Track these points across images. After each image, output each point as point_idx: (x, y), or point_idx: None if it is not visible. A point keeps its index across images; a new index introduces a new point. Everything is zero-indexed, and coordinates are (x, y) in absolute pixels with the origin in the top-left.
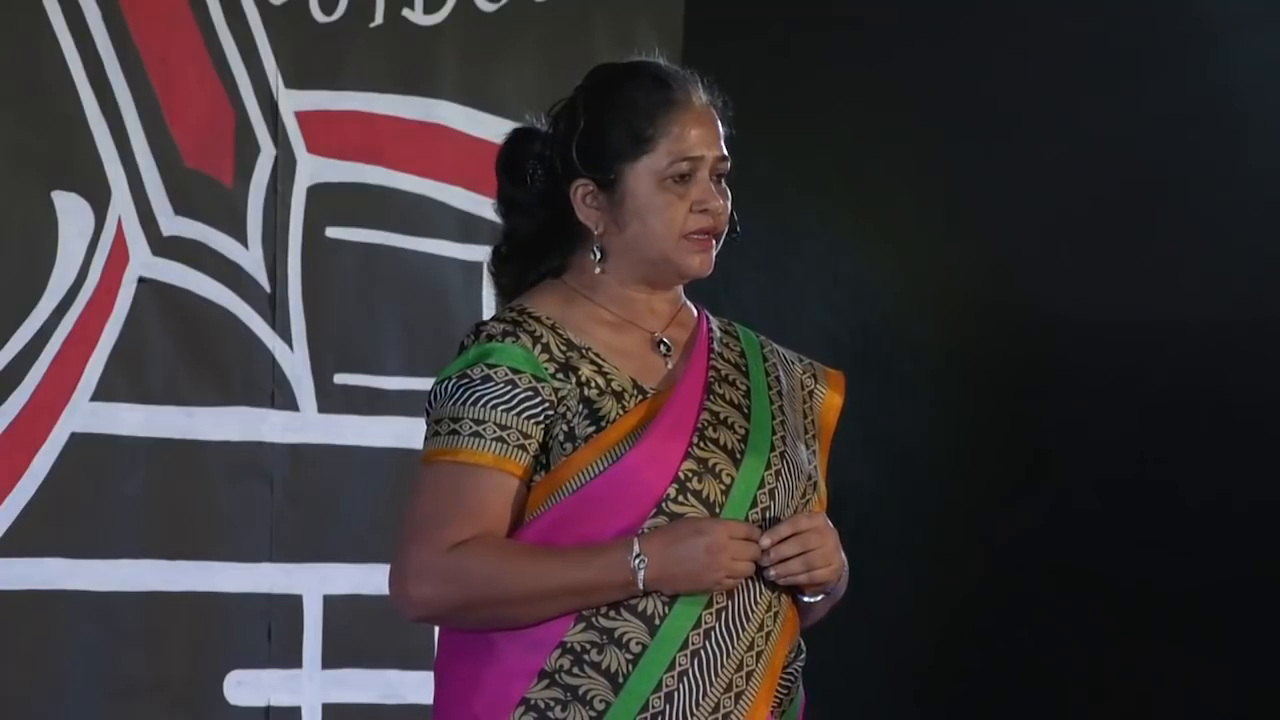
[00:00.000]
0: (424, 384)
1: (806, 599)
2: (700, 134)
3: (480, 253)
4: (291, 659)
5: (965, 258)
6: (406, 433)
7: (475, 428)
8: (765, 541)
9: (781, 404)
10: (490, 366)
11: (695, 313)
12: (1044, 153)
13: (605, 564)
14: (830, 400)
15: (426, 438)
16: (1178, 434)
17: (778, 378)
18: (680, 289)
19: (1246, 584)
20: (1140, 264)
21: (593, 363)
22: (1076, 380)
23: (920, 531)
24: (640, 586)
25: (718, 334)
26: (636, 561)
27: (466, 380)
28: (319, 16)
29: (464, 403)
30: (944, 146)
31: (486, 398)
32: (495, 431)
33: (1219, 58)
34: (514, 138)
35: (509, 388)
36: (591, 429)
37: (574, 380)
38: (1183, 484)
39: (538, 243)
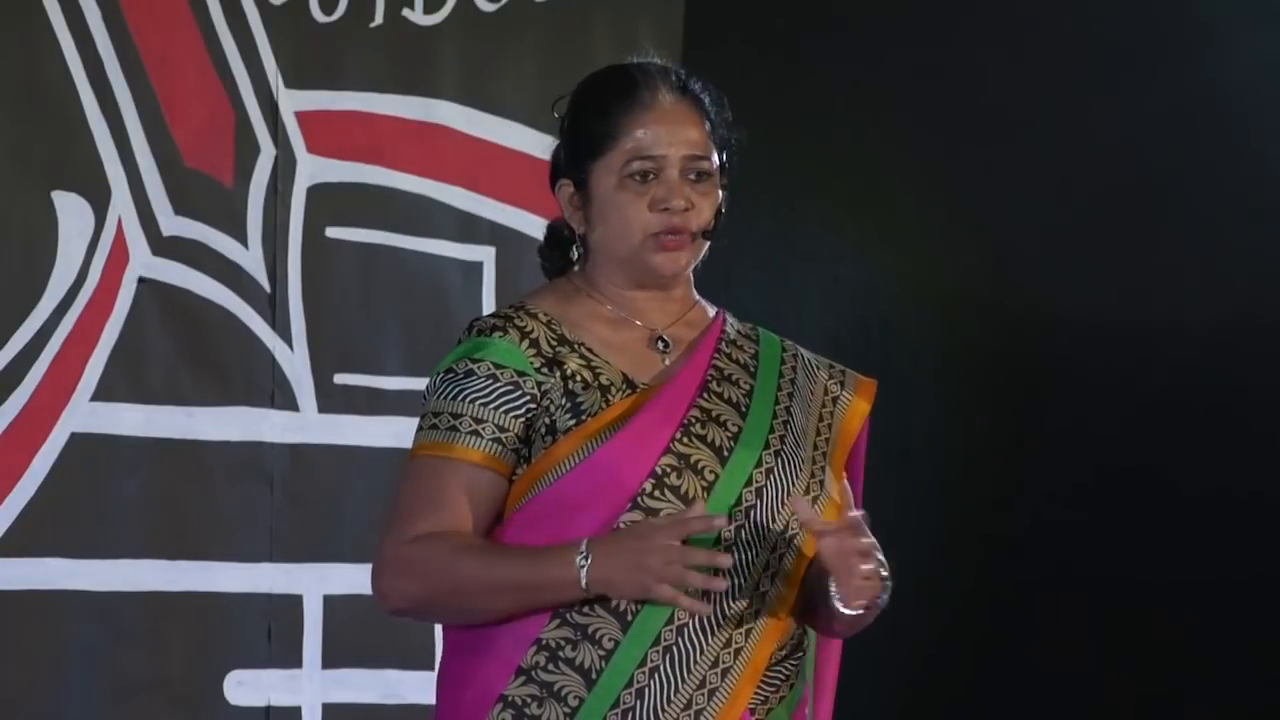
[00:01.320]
0: (424, 384)
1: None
2: (662, 132)
3: (480, 253)
4: (291, 659)
5: (965, 258)
6: (406, 433)
7: (453, 421)
8: (725, 561)
9: (789, 405)
10: (474, 361)
11: (711, 313)
12: (1044, 153)
13: (554, 561)
14: (856, 406)
15: (415, 433)
16: (1178, 434)
17: (792, 380)
18: (690, 287)
19: (1248, 584)
20: (1140, 264)
21: (582, 357)
22: (1076, 380)
23: (920, 531)
24: (584, 586)
25: (731, 335)
26: (580, 559)
27: (451, 375)
28: (319, 16)
29: (446, 397)
30: (944, 146)
31: (466, 392)
32: (471, 425)
33: (1218, 57)
34: (557, 146)
35: (490, 382)
36: (572, 421)
37: (558, 374)
38: (1183, 484)
39: (567, 245)
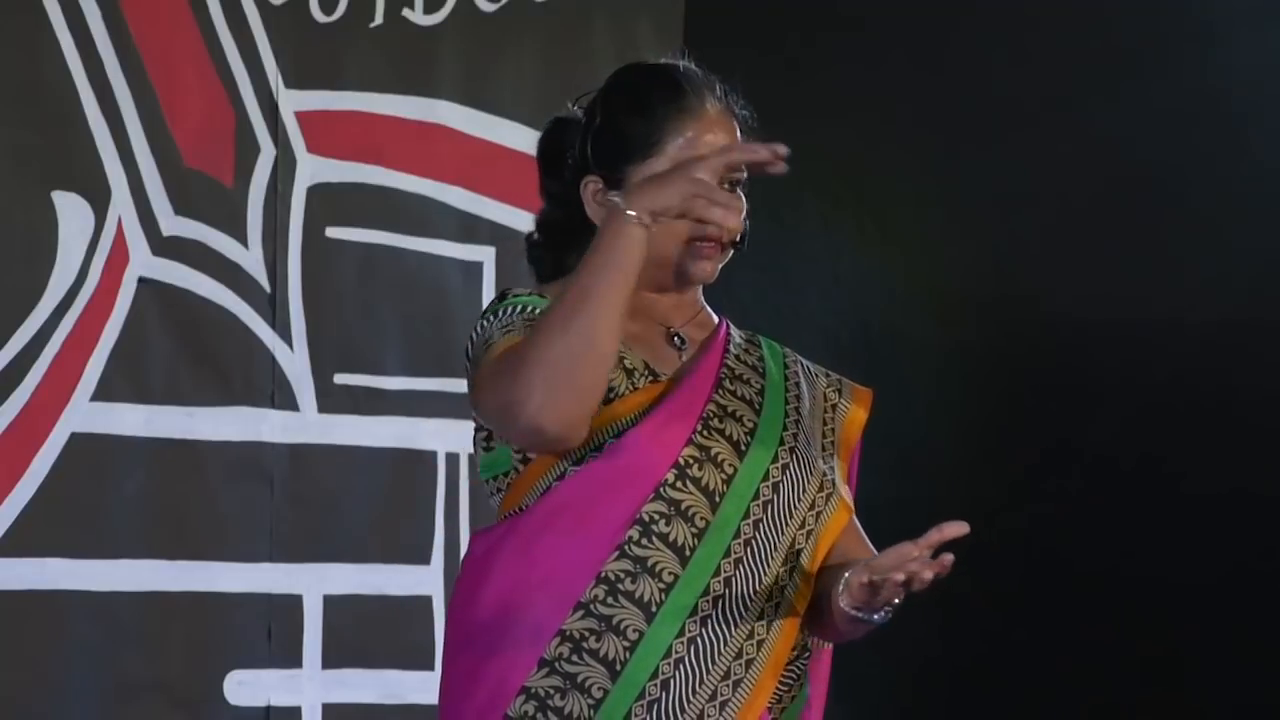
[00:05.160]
0: (424, 384)
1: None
2: (710, 141)
3: (480, 253)
4: (291, 659)
5: (965, 258)
6: (406, 433)
7: (525, 324)
8: (781, 150)
9: (798, 405)
10: (520, 304)
11: (716, 319)
12: (1044, 152)
13: (599, 232)
14: (854, 415)
15: (484, 349)
16: (1179, 433)
17: (797, 383)
18: (699, 292)
19: (1249, 582)
20: (1141, 263)
21: None
22: (1077, 380)
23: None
24: (630, 215)
25: (737, 339)
26: (615, 203)
27: (502, 310)
28: (319, 16)
29: (516, 313)
30: (944, 147)
31: (524, 309)
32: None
33: (1219, 56)
34: (551, 126)
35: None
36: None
37: None
38: (1184, 483)
39: (569, 232)
